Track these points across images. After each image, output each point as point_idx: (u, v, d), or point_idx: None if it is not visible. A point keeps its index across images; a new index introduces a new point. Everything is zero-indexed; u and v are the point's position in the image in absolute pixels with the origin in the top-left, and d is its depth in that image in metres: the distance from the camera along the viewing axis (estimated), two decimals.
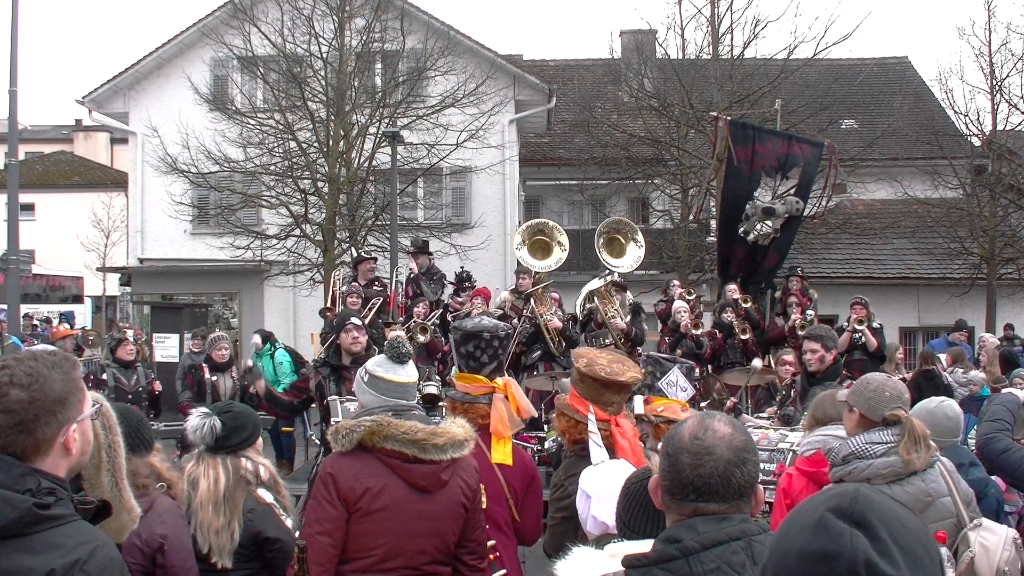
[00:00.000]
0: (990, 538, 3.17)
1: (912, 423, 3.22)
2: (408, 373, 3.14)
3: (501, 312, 10.17)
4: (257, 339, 10.62)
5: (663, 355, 5.19)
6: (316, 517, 2.95)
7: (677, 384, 4.64)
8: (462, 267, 12.33)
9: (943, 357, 11.13)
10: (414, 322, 10.02)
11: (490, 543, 3.49)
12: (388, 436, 2.94)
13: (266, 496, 3.49)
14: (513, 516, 3.64)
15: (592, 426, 3.47)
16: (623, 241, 11.50)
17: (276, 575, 3.44)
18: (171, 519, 3.12)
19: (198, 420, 3.37)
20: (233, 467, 3.38)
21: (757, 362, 9.83)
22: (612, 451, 3.39)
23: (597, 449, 3.30)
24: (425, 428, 2.99)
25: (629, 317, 10.38)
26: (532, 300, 10.15)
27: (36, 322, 20.25)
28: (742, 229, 12.43)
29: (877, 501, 1.31)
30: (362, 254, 11.92)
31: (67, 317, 23.19)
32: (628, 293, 11.19)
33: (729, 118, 13.22)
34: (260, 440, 3.70)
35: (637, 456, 3.37)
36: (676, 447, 1.82)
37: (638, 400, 3.77)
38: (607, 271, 11.23)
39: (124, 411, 3.07)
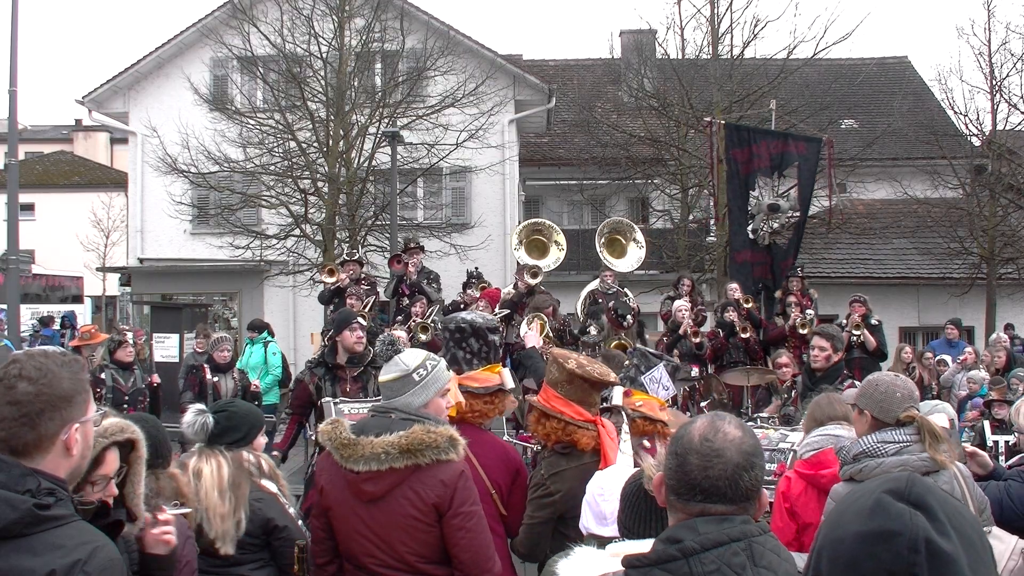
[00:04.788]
0: (998, 546, 3.12)
1: (927, 422, 3.16)
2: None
3: (508, 312, 10.13)
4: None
5: (652, 351, 5.17)
6: None
7: (660, 382, 4.60)
8: (476, 267, 12.23)
9: (948, 359, 11.12)
10: (414, 321, 10.01)
11: None
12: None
13: (270, 487, 3.56)
14: (500, 511, 3.62)
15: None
16: (624, 241, 11.50)
17: (281, 564, 3.47)
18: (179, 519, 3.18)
19: (192, 416, 3.43)
20: (233, 458, 3.43)
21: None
22: (598, 451, 3.40)
23: (622, 456, 3.29)
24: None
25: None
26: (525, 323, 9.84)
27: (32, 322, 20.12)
28: (751, 227, 12.45)
29: (932, 486, 1.35)
30: (345, 256, 11.69)
31: (69, 318, 23.10)
32: (628, 293, 11.16)
33: (723, 122, 13.26)
34: (261, 439, 3.70)
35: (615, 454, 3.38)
36: (685, 448, 1.80)
37: (617, 392, 3.75)
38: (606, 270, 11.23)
39: (147, 429, 2.97)
